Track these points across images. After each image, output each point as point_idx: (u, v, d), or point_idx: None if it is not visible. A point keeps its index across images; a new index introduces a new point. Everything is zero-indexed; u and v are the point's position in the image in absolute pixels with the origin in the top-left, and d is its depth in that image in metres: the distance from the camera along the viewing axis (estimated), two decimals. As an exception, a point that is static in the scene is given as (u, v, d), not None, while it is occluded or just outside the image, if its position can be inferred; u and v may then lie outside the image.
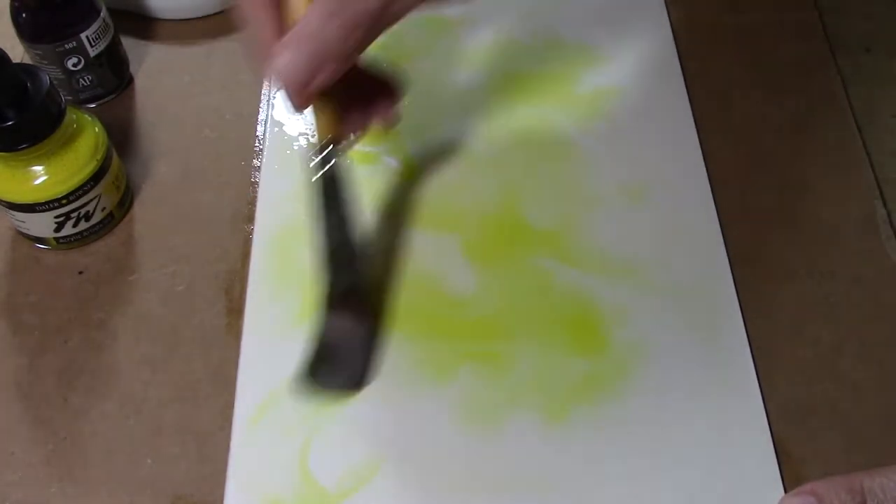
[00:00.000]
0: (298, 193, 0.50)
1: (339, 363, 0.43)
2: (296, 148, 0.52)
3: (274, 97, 0.54)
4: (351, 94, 0.40)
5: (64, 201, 0.47)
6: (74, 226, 0.48)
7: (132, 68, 0.57)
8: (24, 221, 0.48)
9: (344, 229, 0.42)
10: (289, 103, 0.38)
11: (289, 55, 0.36)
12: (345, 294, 0.43)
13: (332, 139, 0.40)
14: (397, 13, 0.37)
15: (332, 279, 0.42)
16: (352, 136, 0.41)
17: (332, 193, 0.41)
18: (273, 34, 0.37)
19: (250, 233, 0.49)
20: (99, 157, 0.47)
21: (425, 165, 0.51)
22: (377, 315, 0.45)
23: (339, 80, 0.37)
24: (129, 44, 0.57)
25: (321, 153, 0.40)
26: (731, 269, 0.46)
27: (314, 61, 0.36)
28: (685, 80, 0.53)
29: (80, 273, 0.49)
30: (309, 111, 0.39)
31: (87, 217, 0.48)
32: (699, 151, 0.50)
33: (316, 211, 0.41)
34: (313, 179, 0.40)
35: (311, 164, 0.40)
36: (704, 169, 0.49)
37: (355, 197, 0.41)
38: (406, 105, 0.53)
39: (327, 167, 0.40)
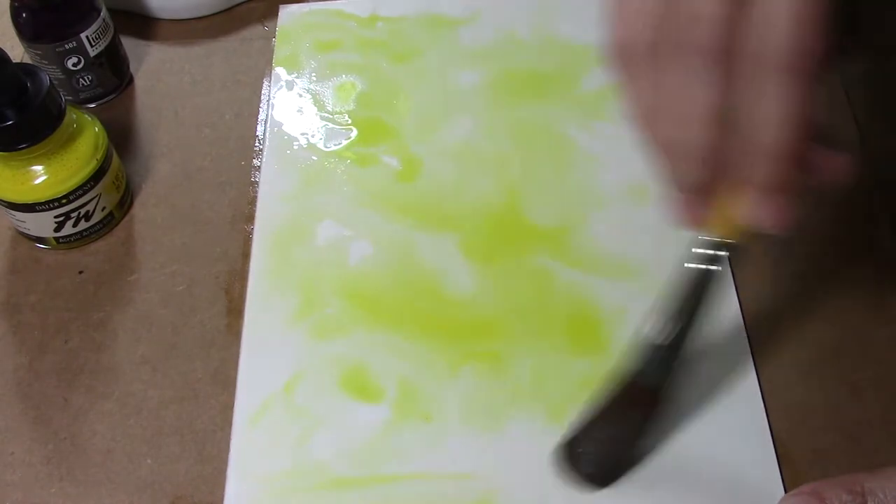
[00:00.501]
0: (298, 193, 0.50)
1: (599, 453, 0.40)
2: (296, 148, 0.52)
3: (274, 98, 0.54)
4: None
5: (64, 201, 0.47)
6: (74, 226, 0.48)
7: (132, 68, 0.57)
8: (24, 221, 0.48)
9: (684, 330, 0.37)
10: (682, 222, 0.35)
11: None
12: (641, 389, 0.39)
13: (727, 241, 0.35)
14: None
15: (643, 369, 0.38)
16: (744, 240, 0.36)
17: (697, 292, 0.37)
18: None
19: (250, 233, 0.49)
20: (99, 156, 0.48)
21: (426, 165, 0.51)
22: (656, 425, 0.41)
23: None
24: (129, 44, 0.57)
25: (710, 249, 0.36)
26: (732, 269, 0.46)
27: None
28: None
29: (80, 273, 0.49)
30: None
31: (87, 217, 0.48)
32: (699, 151, 0.50)
33: (673, 299, 0.37)
34: (689, 267, 0.37)
35: (695, 253, 0.36)
36: (704, 169, 0.49)
37: (710, 307, 0.37)
38: (406, 105, 0.53)
39: (706, 265, 0.36)
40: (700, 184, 0.33)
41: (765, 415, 0.41)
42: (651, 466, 0.40)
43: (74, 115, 0.47)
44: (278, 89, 0.55)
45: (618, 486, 0.40)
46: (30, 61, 0.53)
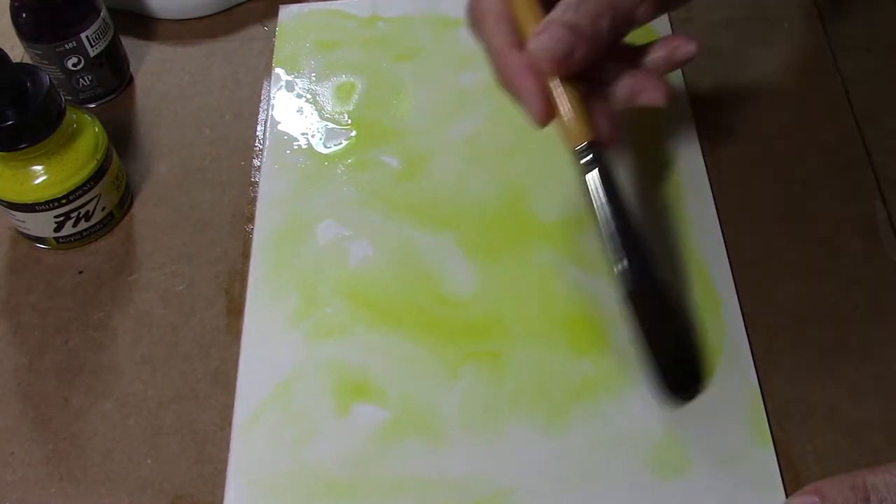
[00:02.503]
0: (298, 193, 0.50)
1: (684, 362, 0.40)
2: (296, 148, 0.52)
3: (274, 98, 0.54)
4: (598, 96, 0.41)
5: (64, 201, 0.47)
6: (74, 225, 0.48)
7: (132, 68, 0.57)
8: (24, 221, 0.48)
9: (628, 226, 0.39)
10: (534, 110, 0.39)
11: (545, 36, 0.38)
12: (648, 290, 0.39)
13: (592, 141, 0.39)
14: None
15: (633, 277, 0.39)
16: (605, 135, 0.40)
17: (607, 194, 0.39)
18: (510, 44, 0.40)
19: (250, 233, 0.49)
20: (99, 156, 0.48)
21: (426, 165, 0.51)
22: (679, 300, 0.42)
23: (584, 82, 0.39)
24: (129, 44, 0.57)
25: (582, 158, 0.39)
26: (731, 269, 0.46)
27: (569, 39, 0.38)
28: (685, 80, 0.53)
29: (80, 273, 0.49)
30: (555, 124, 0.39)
31: (87, 217, 0.48)
32: (699, 152, 0.50)
33: (594, 214, 0.39)
34: (583, 184, 0.40)
35: (578, 170, 0.40)
36: (704, 169, 0.49)
37: (625, 194, 0.40)
38: (407, 105, 0.53)
39: (594, 169, 0.39)
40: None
41: (765, 415, 0.41)
42: (651, 466, 0.40)
43: (74, 115, 0.47)
44: (278, 89, 0.55)
45: (617, 485, 0.40)
46: (30, 61, 0.53)
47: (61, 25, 0.51)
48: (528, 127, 0.52)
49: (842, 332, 0.44)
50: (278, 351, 0.45)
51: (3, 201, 0.47)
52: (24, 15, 0.51)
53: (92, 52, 0.53)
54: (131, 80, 0.57)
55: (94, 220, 0.49)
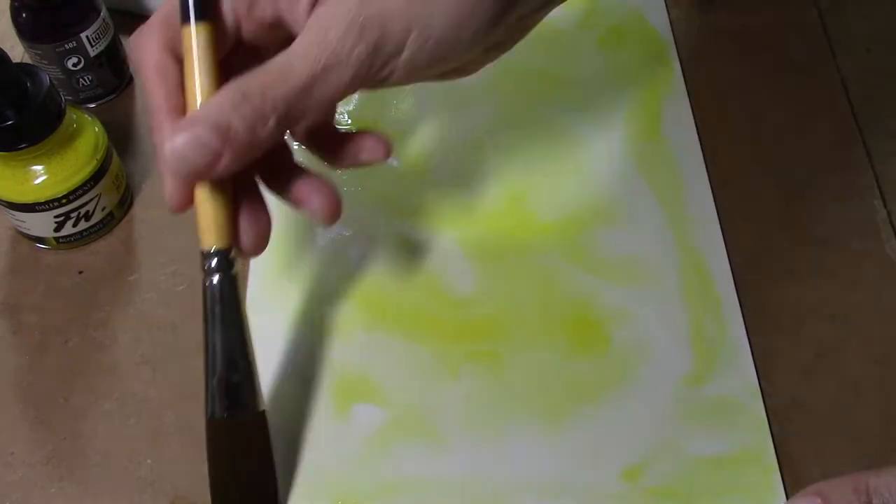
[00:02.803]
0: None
1: (249, 490, 0.39)
2: (295, 147, 0.52)
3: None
4: (250, 195, 0.36)
5: (64, 201, 0.47)
6: (74, 225, 0.48)
7: (132, 68, 0.57)
8: (24, 221, 0.48)
9: (236, 346, 0.37)
10: (169, 198, 0.34)
11: (182, 139, 0.31)
12: (233, 416, 0.38)
13: (222, 249, 0.35)
14: (321, 101, 0.32)
15: (220, 400, 0.37)
16: (245, 246, 0.36)
17: (224, 307, 0.36)
18: (168, 108, 0.34)
19: (250, 233, 0.49)
20: (99, 156, 0.47)
21: (426, 165, 0.51)
22: (265, 436, 0.40)
23: (239, 178, 0.34)
24: (129, 44, 0.57)
25: (210, 263, 0.36)
26: (731, 268, 0.46)
27: (215, 147, 0.31)
28: (685, 79, 0.53)
29: (80, 273, 0.49)
30: (193, 211, 0.35)
31: (87, 217, 0.48)
32: (699, 151, 0.50)
33: (207, 322, 0.37)
34: (205, 289, 0.36)
35: (204, 273, 0.36)
36: (704, 169, 0.49)
37: (244, 314, 0.37)
38: (407, 104, 0.53)
39: (216, 279, 0.36)
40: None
41: (765, 414, 0.41)
42: (650, 467, 0.40)
43: (74, 115, 0.47)
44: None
45: (618, 486, 0.40)
46: (30, 61, 0.53)
47: (61, 25, 0.51)
48: (529, 127, 0.52)
49: (842, 332, 0.44)
50: (278, 351, 0.45)
51: (3, 201, 0.47)
52: (24, 15, 0.51)
53: (92, 52, 0.53)
54: (131, 80, 0.57)
55: (94, 220, 0.49)
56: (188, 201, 0.35)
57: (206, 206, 0.34)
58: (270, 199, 0.37)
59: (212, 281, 0.36)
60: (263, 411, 0.39)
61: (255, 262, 0.48)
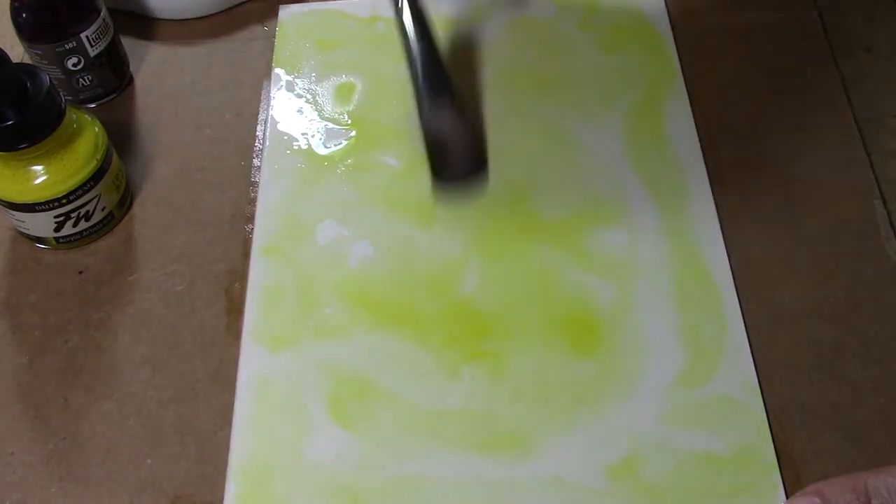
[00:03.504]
0: (298, 193, 0.50)
1: (458, 156, 0.48)
2: (296, 148, 0.52)
3: (274, 98, 0.54)
4: None
5: (64, 201, 0.47)
6: (74, 226, 0.48)
7: (132, 68, 0.57)
8: (24, 221, 0.48)
9: (431, 49, 0.47)
10: None
11: None
12: (441, 98, 0.47)
13: None
14: None
15: (430, 88, 0.47)
16: None
17: (415, 23, 0.46)
18: None
19: (250, 233, 0.49)
20: (99, 156, 0.48)
21: (426, 165, 0.51)
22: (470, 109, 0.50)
23: None
24: (129, 44, 0.57)
25: None
26: (732, 268, 0.46)
27: None
28: (685, 79, 0.53)
29: (80, 273, 0.49)
30: None
31: (87, 217, 0.48)
32: (699, 151, 0.50)
33: (405, 45, 0.47)
34: (398, 17, 0.47)
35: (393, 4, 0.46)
36: (704, 169, 0.49)
37: (432, 23, 0.47)
38: (407, 105, 0.53)
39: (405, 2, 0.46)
40: None
41: (765, 414, 0.41)
42: (650, 467, 0.40)
43: (74, 115, 0.47)
44: (278, 89, 0.55)
45: (618, 485, 0.40)
46: (30, 61, 0.53)
47: (61, 25, 0.51)
48: (529, 127, 0.52)
49: (842, 332, 0.44)
50: (278, 351, 0.45)
51: (3, 201, 0.47)
52: (24, 15, 0.51)
53: (92, 52, 0.53)
54: (131, 80, 0.57)
55: (94, 220, 0.49)
56: None
57: None
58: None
59: (404, 3, 0.47)
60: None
61: (255, 262, 0.48)
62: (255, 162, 0.52)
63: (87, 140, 0.47)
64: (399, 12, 0.47)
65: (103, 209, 0.49)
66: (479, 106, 0.51)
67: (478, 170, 0.49)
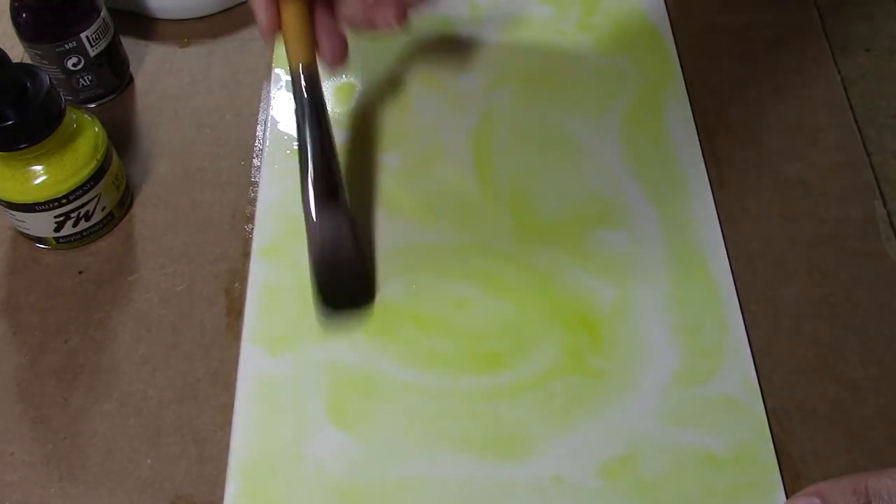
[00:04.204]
0: (298, 194, 0.50)
1: (345, 278, 0.45)
2: (296, 148, 0.52)
3: (274, 98, 0.54)
4: (324, 20, 0.43)
5: (64, 201, 0.47)
6: (74, 226, 0.48)
7: (132, 68, 0.57)
8: (24, 221, 0.48)
9: (323, 144, 0.44)
10: (262, 23, 0.41)
11: None
12: (327, 203, 0.44)
13: (307, 65, 0.43)
14: None
15: (316, 192, 0.44)
16: (327, 59, 0.43)
17: (312, 115, 0.44)
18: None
19: (250, 233, 0.49)
20: (99, 156, 0.48)
21: (427, 165, 0.51)
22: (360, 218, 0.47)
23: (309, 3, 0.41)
24: (129, 44, 0.57)
25: (298, 79, 0.43)
26: (731, 268, 0.46)
27: None
28: (685, 79, 0.53)
29: (80, 273, 0.49)
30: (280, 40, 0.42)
31: (87, 217, 0.48)
32: (699, 151, 0.50)
33: (299, 131, 0.44)
34: (294, 105, 0.44)
35: (291, 90, 0.44)
36: (704, 169, 0.49)
37: (328, 118, 0.45)
38: (407, 105, 0.53)
39: (305, 92, 0.43)
40: None
41: (765, 414, 0.41)
42: (650, 467, 0.40)
43: (74, 115, 0.47)
44: (278, 89, 0.55)
45: (619, 485, 0.40)
46: (30, 61, 0.53)
47: (61, 25, 0.51)
48: (528, 127, 0.52)
49: (842, 332, 0.44)
50: (278, 351, 0.45)
51: (3, 201, 0.47)
52: (24, 15, 0.51)
53: (92, 52, 0.53)
54: (131, 80, 0.57)
55: (94, 220, 0.49)
56: (277, 24, 0.42)
57: (293, 26, 0.42)
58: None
59: (303, 91, 0.43)
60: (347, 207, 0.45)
61: (255, 262, 0.48)
62: (255, 162, 0.52)
63: (87, 140, 0.47)
64: (300, 104, 0.44)
65: (103, 209, 0.49)
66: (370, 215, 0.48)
67: (363, 298, 0.45)
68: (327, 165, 0.44)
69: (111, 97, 0.56)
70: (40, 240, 0.49)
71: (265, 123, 0.54)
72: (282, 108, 0.54)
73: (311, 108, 0.43)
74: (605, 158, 0.50)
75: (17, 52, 0.55)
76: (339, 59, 0.43)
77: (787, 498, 0.39)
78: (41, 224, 0.48)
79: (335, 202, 0.44)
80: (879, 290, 0.45)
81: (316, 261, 0.44)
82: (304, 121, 0.44)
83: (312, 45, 0.43)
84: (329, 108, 0.53)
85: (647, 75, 0.53)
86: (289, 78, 0.55)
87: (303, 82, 0.43)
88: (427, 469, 0.41)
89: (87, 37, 0.52)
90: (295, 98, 0.44)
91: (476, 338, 0.44)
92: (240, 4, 0.60)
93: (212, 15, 0.59)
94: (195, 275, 0.48)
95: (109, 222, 0.50)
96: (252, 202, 0.50)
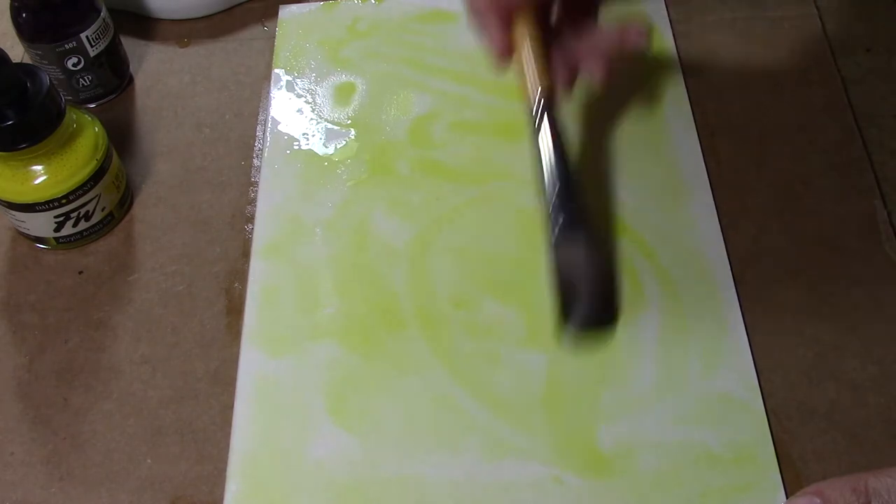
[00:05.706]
0: (298, 193, 0.50)
1: (591, 299, 0.43)
2: (296, 148, 0.52)
3: (274, 98, 0.54)
4: (559, 49, 0.43)
5: (64, 201, 0.47)
6: (74, 226, 0.48)
7: (132, 68, 0.57)
8: (24, 221, 0.48)
9: (566, 172, 0.42)
10: (495, 46, 0.40)
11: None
12: (571, 229, 0.42)
13: (546, 90, 0.41)
14: None
15: (561, 217, 0.42)
16: (564, 86, 0.43)
17: (554, 143, 0.42)
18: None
19: (250, 233, 0.49)
20: (99, 156, 0.48)
21: (427, 165, 0.51)
22: (606, 241, 0.46)
23: (544, 32, 0.41)
24: (129, 44, 0.57)
25: (537, 106, 0.41)
26: (731, 268, 0.46)
27: None
28: (685, 79, 0.53)
29: (80, 273, 0.49)
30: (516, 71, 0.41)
31: (87, 217, 0.48)
32: (699, 151, 0.50)
33: (539, 162, 0.42)
34: (535, 133, 0.42)
35: (531, 118, 0.42)
36: (704, 169, 0.49)
37: (569, 143, 0.43)
38: (407, 105, 0.53)
39: (544, 119, 0.41)
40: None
41: (765, 414, 0.41)
42: (650, 466, 0.40)
43: (74, 115, 0.47)
44: (278, 89, 0.55)
45: (619, 485, 0.40)
46: (30, 61, 0.53)
47: (61, 25, 0.51)
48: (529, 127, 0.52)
49: (841, 332, 0.44)
50: (278, 350, 0.45)
51: (3, 201, 0.47)
52: (24, 15, 0.51)
53: (92, 52, 0.53)
54: (131, 80, 0.57)
55: (94, 220, 0.49)
56: (511, 47, 0.40)
57: (534, 49, 0.40)
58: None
59: (544, 119, 0.41)
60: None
61: (255, 262, 0.48)
62: (255, 162, 0.52)
63: (86, 140, 0.47)
64: (536, 129, 0.42)
65: (103, 209, 0.49)
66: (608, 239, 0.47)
67: (607, 319, 0.44)
68: (577, 191, 0.42)
69: (111, 97, 0.56)
70: (40, 240, 0.49)
71: (265, 123, 0.54)
72: (282, 108, 0.54)
73: (554, 132, 0.42)
74: (604, 159, 0.50)
75: (17, 52, 0.55)
76: (572, 85, 0.43)
77: (787, 498, 0.39)
78: (41, 224, 0.48)
79: (585, 226, 0.43)
80: (879, 290, 0.45)
81: (587, 282, 0.43)
82: (553, 148, 0.42)
83: (550, 69, 0.42)
84: (329, 107, 0.54)
85: (647, 75, 0.53)
86: (289, 77, 0.55)
87: (543, 107, 0.42)
88: (427, 469, 0.41)
89: (87, 37, 0.52)
90: (534, 124, 0.42)
91: (476, 338, 0.44)
92: (240, 4, 0.60)
93: (212, 15, 0.59)
94: (195, 275, 0.48)
95: (109, 222, 0.50)
96: (252, 202, 0.50)
